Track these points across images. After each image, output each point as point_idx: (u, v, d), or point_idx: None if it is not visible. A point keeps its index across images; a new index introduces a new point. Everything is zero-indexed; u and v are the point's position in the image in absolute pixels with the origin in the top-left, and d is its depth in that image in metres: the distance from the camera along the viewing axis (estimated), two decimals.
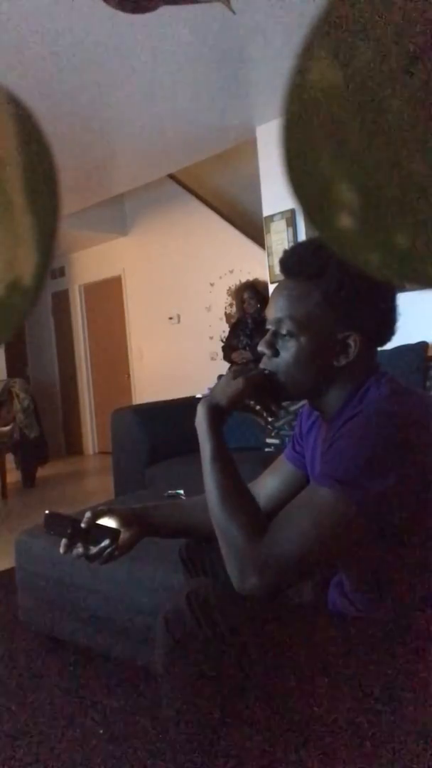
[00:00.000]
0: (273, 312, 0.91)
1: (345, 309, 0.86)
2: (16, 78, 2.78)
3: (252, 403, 0.95)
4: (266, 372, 0.92)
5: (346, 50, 0.19)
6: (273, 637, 0.86)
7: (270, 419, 0.96)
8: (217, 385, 0.97)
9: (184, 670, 0.85)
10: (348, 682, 0.85)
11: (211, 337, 5.21)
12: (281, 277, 0.93)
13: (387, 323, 0.90)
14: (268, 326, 0.93)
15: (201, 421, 0.93)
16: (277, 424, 2.92)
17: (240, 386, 0.92)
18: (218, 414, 0.93)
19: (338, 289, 0.85)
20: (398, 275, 0.22)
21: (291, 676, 0.86)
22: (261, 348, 0.93)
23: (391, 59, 0.19)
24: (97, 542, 1.04)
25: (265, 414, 0.96)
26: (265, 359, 0.93)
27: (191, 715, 0.86)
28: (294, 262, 0.90)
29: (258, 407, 0.95)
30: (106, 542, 1.03)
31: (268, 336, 0.92)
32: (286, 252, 0.94)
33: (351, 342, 0.87)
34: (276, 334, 0.91)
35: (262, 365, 0.94)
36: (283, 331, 0.90)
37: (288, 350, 0.90)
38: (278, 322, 0.90)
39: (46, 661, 1.87)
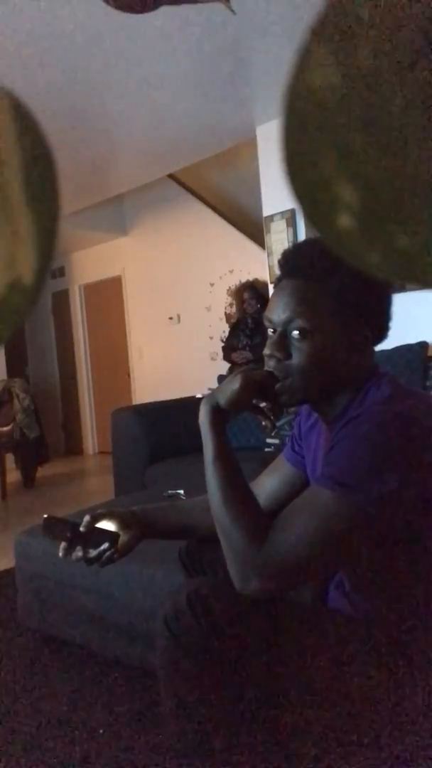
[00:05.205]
0: (279, 313, 0.87)
1: (357, 308, 0.85)
2: (16, 78, 2.78)
3: (255, 401, 0.92)
4: (267, 371, 0.89)
5: (345, 50, 0.19)
6: (273, 637, 0.86)
7: (272, 419, 0.94)
8: (220, 384, 0.96)
9: (184, 669, 0.85)
10: (348, 682, 0.85)
11: (211, 337, 5.21)
12: None
13: (388, 321, 0.90)
14: (274, 328, 0.88)
15: (203, 420, 0.92)
16: (277, 424, 2.92)
17: (237, 385, 0.89)
18: (219, 413, 0.92)
19: (351, 288, 0.83)
20: (398, 275, 0.22)
21: (291, 676, 0.86)
22: (270, 351, 0.88)
23: (390, 59, 0.19)
24: (96, 545, 1.03)
25: (270, 415, 0.93)
26: (272, 363, 0.88)
27: (191, 714, 0.86)
28: (301, 262, 0.87)
29: (262, 404, 0.92)
30: (105, 545, 1.03)
31: (276, 338, 0.87)
32: (288, 252, 0.91)
33: (362, 340, 0.87)
34: (284, 335, 0.88)
35: (268, 368, 0.89)
36: (294, 332, 0.86)
37: (302, 351, 0.86)
38: (287, 323, 0.86)
39: (46, 661, 1.87)
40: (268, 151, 3.70)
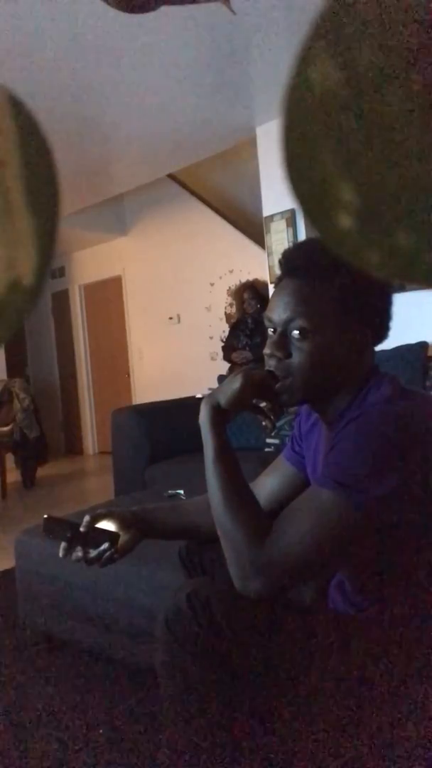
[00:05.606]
0: (280, 312, 0.87)
1: (358, 307, 0.85)
2: (16, 78, 2.78)
3: (255, 401, 0.91)
4: (267, 370, 0.89)
5: (345, 50, 0.19)
6: (273, 637, 0.86)
7: (272, 419, 0.93)
8: (220, 384, 0.96)
9: (185, 669, 0.85)
10: (348, 682, 0.85)
11: (211, 337, 5.21)
12: None
13: (388, 321, 0.89)
14: (275, 327, 0.88)
15: (203, 419, 0.92)
16: (277, 424, 2.92)
17: (238, 384, 0.89)
18: (220, 413, 0.91)
19: (352, 288, 0.83)
20: (398, 275, 0.22)
21: (291, 676, 0.86)
22: (271, 350, 0.88)
23: (390, 58, 0.19)
24: (96, 545, 1.03)
25: (270, 414, 0.93)
26: (272, 362, 0.88)
27: (191, 714, 0.86)
28: (302, 262, 0.87)
29: (263, 404, 0.91)
30: (105, 545, 1.03)
31: (276, 337, 0.87)
32: (289, 252, 0.91)
33: (362, 339, 0.87)
34: (284, 335, 0.87)
35: (268, 368, 0.89)
36: (295, 332, 0.85)
37: (302, 351, 0.85)
38: (288, 322, 0.86)
39: (46, 661, 1.87)
40: (268, 151, 3.70)
